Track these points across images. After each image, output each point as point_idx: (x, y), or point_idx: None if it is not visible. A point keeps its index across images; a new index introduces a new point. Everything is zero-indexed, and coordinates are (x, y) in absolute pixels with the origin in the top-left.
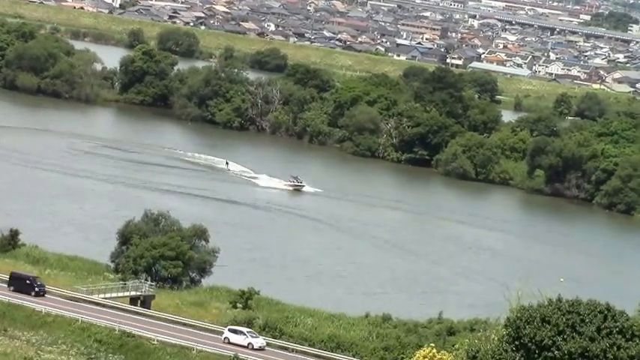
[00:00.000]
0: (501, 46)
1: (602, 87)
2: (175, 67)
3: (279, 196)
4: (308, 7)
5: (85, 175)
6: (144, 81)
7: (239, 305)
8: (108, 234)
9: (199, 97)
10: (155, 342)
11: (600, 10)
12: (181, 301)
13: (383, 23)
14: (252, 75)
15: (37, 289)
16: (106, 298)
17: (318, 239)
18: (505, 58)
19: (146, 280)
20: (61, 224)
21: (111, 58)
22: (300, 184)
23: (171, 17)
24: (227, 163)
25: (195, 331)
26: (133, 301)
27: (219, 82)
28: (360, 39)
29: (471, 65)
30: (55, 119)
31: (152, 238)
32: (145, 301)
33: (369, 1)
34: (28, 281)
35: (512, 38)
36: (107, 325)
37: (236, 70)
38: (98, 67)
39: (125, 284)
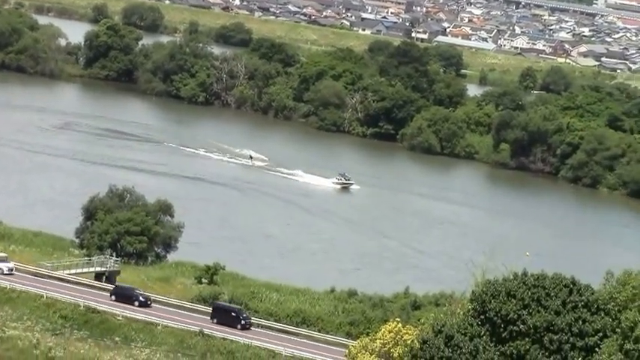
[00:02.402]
0: (466, 20)
1: (568, 61)
2: (140, 42)
3: (244, 172)
4: None
5: (53, 151)
6: (108, 56)
7: (204, 281)
8: (76, 211)
9: (164, 72)
10: (120, 318)
11: None
12: (147, 277)
13: None
14: (216, 50)
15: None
16: (70, 274)
17: (283, 215)
18: (470, 32)
19: (111, 255)
20: (28, 201)
21: (75, 33)
22: (348, 181)
23: None
24: (251, 157)
25: (160, 306)
26: (98, 276)
27: (184, 56)
28: (325, 13)
29: (436, 39)
30: (20, 95)
31: (117, 213)
32: (110, 277)
33: None
34: None
35: (478, 12)
36: (72, 301)
37: (201, 45)
38: (62, 42)
39: (90, 260)
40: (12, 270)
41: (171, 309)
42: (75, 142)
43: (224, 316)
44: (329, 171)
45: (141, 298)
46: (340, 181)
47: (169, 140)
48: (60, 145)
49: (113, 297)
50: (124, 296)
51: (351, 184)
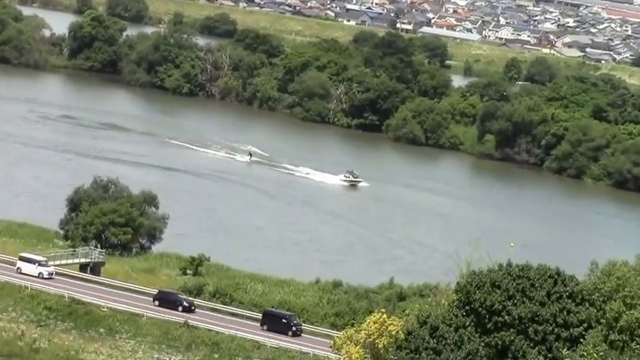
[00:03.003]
0: (451, 10)
1: (552, 51)
2: (124, 33)
3: (230, 165)
4: None
5: (38, 142)
6: (93, 47)
7: (189, 272)
8: (61, 202)
9: (148, 62)
10: (105, 309)
11: None
12: (131, 268)
13: None
14: (201, 41)
15: None
16: (55, 265)
17: (269, 207)
18: (455, 22)
19: (96, 246)
20: (13, 192)
21: (59, 23)
22: (356, 179)
23: None
24: (250, 154)
25: (145, 297)
26: (83, 268)
27: (169, 47)
28: (309, 4)
29: (420, 30)
30: (4, 86)
31: (102, 204)
32: (95, 268)
33: None
34: None
35: (462, 3)
36: (57, 292)
37: (185, 36)
38: (47, 33)
39: (75, 251)
40: (52, 274)
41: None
42: (59, 133)
43: (274, 322)
44: (329, 166)
45: (185, 303)
46: (348, 179)
47: (154, 131)
48: (45, 136)
49: (156, 302)
50: (168, 301)
51: (359, 181)
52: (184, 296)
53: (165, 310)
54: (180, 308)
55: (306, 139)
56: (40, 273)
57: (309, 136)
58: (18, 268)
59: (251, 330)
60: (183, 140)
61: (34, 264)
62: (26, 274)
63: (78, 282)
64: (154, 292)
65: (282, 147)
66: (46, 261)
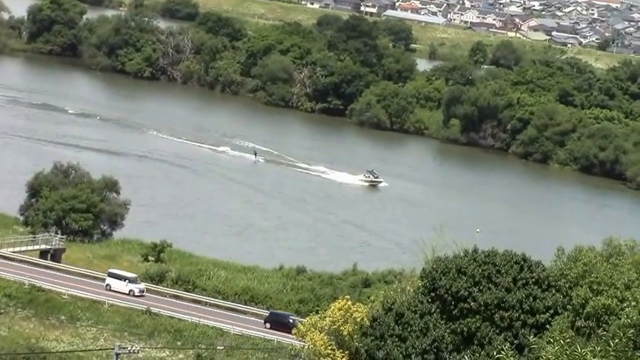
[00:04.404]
0: None
1: (518, 35)
2: (84, 16)
3: (190, 150)
4: None
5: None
6: (52, 30)
7: (151, 258)
8: (20, 188)
9: (109, 46)
10: (66, 296)
11: None
12: (92, 255)
13: None
14: (162, 24)
15: None
16: (15, 252)
17: (233, 193)
18: (420, 5)
19: (56, 233)
20: None
21: (18, 6)
22: (376, 179)
23: None
24: (255, 153)
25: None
26: (43, 254)
27: (130, 31)
28: None
29: (385, 13)
30: None
31: (62, 190)
32: (55, 255)
33: None
34: None
35: None
36: (16, 279)
37: (146, 19)
38: (5, 15)
39: (35, 237)
40: (143, 291)
41: None
42: (19, 118)
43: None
44: (343, 165)
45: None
46: (368, 179)
47: (117, 116)
48: (4, 121)
49: (268, 325)
50: (280, 323)
51: (380, 181)
52: (295, 317)
53: (118, 295)
54: (293, 330)
55: (269, 124)
56: (130, 290)
57: (272, 121)
58: (107, 284)
59: (213, 317)
60: (146, 126)
61: (124, 280)
62: (116, 292)
63: (38, 269)
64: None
65: (244, 131)
66: (136, 277)
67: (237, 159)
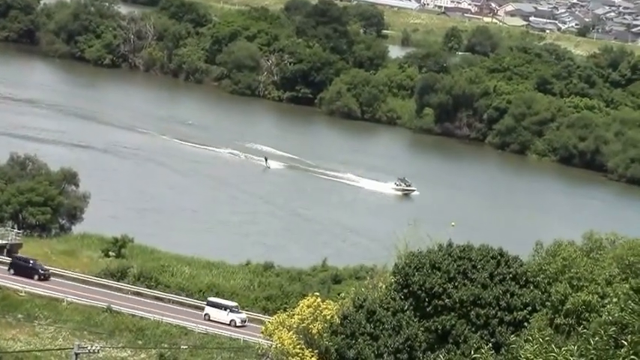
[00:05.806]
0: None
1: (494, 20)
2: (42, 1)
3: (151, 143)
4: None
5: None
6: (8, 16)
7: (112, 254)
8: None
9: (68, 32)
10: (23, 293)
11: None
12: (50, 250)
13: None
14: (123, 9)
15: None
16: None
17: (201, 189)
18: None
19: (12, 227)
20: None
21: None
22: (408, 187)
23: None
24: (266, 159)
25: (64, 281)
26: None
27: (89, 16)
28: None
29: None
30: None
31: (19, 182)
32: (12, 250)
33: None
34: None
35: None
36: None
37: (107, 4)
38: None
39: None
40: (245, 321)
41: (76, 284)
42: None
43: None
44: (369, 171)
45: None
46: (400, 187)
47: (75, 106)
48: None
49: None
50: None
51: (413, 190)
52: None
53: (78, 292)
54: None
55: (235, 114)
56: (232, 320)
57: (239, 111)
58: (206, 314)
59: (177, 315)
60: (108, 116)
61: (225, 310)
62: (215, 322)
63: None
64: (75, 275)
65: (209, 123)
66: (237, 306)
67: (207, 152)
